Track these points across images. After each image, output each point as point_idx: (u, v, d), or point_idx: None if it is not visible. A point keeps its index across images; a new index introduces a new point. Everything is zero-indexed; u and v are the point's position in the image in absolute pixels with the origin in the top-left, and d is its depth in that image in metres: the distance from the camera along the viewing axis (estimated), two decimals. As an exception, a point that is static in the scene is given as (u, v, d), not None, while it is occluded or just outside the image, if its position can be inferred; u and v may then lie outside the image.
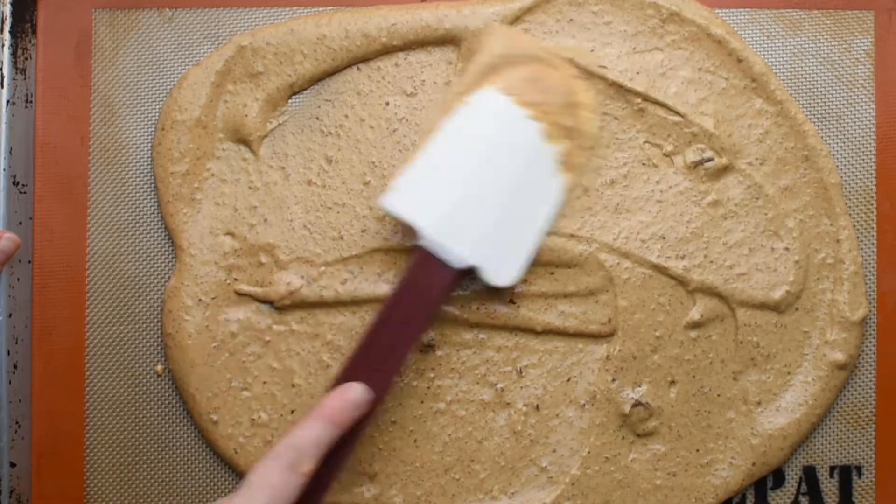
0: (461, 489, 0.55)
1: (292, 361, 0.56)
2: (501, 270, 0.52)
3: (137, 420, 0.57)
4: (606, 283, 0.55)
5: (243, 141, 0.56)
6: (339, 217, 0.56)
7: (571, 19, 0.57)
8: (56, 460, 0.56)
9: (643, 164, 0.56)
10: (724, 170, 0.56)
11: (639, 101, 0.56)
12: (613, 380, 0.55)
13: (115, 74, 0.57)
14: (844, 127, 0.58)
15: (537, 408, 0.56)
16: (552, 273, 0.55)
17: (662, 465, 0.55)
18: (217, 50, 0.57)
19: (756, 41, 0.58)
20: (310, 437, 0.46)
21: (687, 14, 0.56)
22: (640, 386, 0.55)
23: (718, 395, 0.56)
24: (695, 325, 0.55)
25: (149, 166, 0.57)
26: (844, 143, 0.58)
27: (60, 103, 0.57)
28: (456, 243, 0.50)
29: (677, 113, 0.56)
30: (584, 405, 0.56)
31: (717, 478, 0.55)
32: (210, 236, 0.56)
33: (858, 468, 0.57)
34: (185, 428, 0.56)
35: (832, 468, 0.57)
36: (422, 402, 0.55)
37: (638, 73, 0.56)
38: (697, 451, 0.55)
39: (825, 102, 0.58)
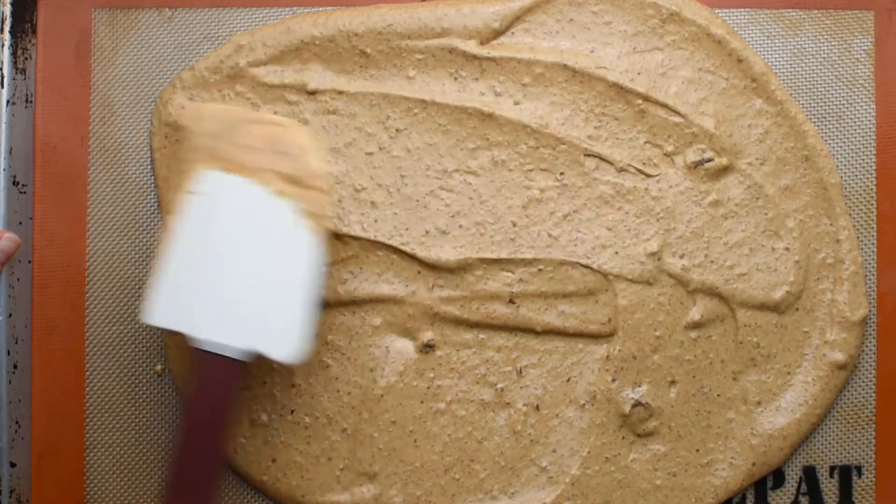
0: (461, 489, 0.55)
1: (292, 361, 0.56)
2: (284, 345, 0.49)
3: (137, 420, 0.57)
4: (606, 283, 0.55)
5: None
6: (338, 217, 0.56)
7: (571, 19, 0.57)
8: (56, 460, 0.56)
9: (643, 163, 0.56)
10: (725, 170, 0.56)
11: (639, 101, 0.55)
12: (613, 380, 0.55)
13: (114, 74, 0.57)
14: (844, 127, 0.58)
15: (537, 408, 0.56)
16: (552, 273, 0.55)
17: (662, 465, 0.55)
18: (216, 49, 0.57)
19: (756, 41, 0.58)
20: None
21: (687, 14, 0.56)
22: (640, 386, 0.55)
23: (718, 395, 0.56)
24: (695, 326, 0.55)
25: (149, 166, 0.57)
26: (844, 143, 0.58)
27: (60, 103, 0.57)
28: (231, 338, 0.48)
29: (678, 113, 0.55)
30: (584, 405, 0.56)
31: (717, 478, 0.56)
32: (210, 236, 0.56)
33: (858, 468, 0.57)
34: (185, 428, 0.57)
35: (832, 468, 0.57)
36: (422, 402, 0.55)
37: (639, 73, 0.56)
38: (697, 451, 0.55)
39: (825, 102, 0.58)
